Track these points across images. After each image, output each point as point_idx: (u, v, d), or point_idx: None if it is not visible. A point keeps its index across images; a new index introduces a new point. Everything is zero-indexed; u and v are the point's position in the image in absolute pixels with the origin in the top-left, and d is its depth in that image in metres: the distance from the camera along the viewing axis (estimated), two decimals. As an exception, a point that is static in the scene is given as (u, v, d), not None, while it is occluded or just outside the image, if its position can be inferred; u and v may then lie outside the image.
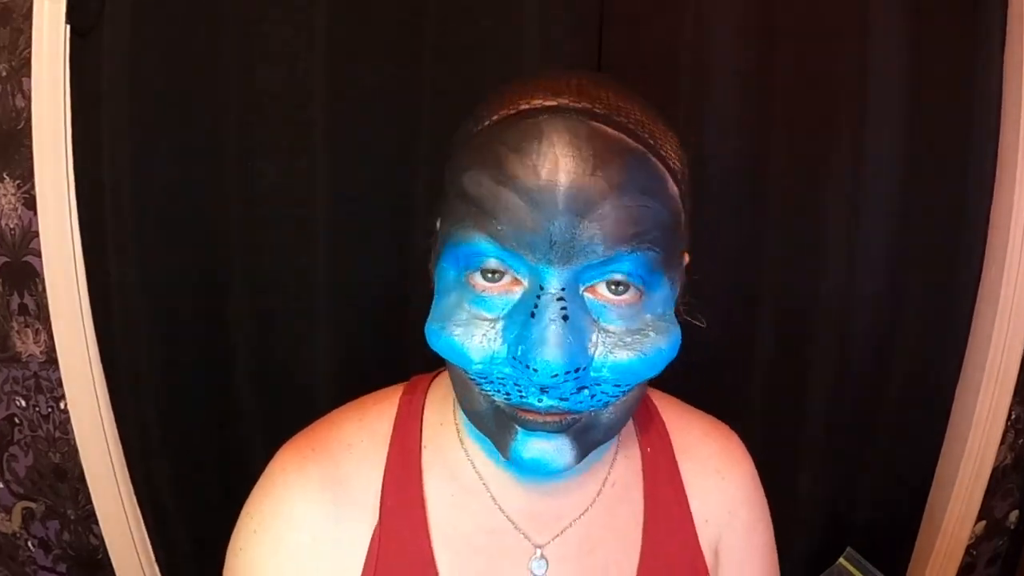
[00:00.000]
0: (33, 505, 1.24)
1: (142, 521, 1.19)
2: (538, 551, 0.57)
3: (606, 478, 0.60)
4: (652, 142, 0.47)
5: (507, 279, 0.46)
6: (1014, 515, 1.38)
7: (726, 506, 0.64)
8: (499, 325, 0.46)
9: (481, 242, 0.45)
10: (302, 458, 0.57)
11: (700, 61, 1.06)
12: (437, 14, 1.03)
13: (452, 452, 0.58)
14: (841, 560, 1.17)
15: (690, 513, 0.62)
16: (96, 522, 1.20)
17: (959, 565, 1.31)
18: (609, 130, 0.45)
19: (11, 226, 1.12)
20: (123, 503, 1.18)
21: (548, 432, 0.47)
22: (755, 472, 0.67)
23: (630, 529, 0.60)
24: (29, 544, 1.26)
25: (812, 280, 1.14)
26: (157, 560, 1.20)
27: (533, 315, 0.44)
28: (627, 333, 0.46)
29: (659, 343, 0.47)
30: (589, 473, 0.59)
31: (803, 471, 1.20)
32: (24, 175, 1.09)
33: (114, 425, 1.14)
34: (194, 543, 1.17)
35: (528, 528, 0.57)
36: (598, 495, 0.59)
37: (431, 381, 0.62)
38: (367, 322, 1.10)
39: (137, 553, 1.20)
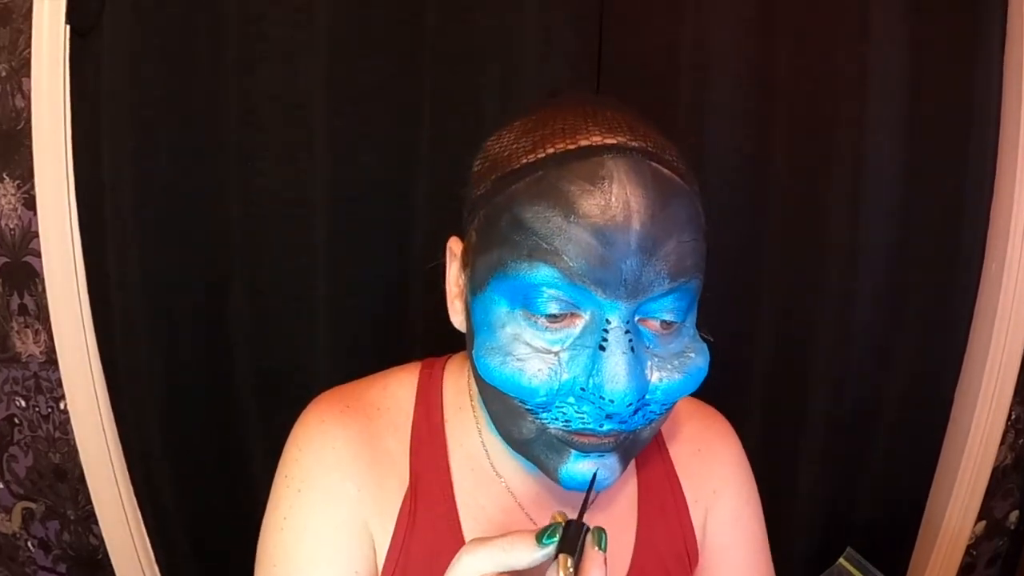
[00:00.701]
0: (33, 505, 1.24)
1: (142, 521, 1.19)
2: None
3: None
4: (691, 179, 0.50)
5: (568, 316, 0.47)
6: (1014, 515, 1.38)
7: (711, 484, 0.66)
8: (563, 357, 0.47)
9: (550, 276, 0.46)
10: (339, 411, 0.59)
11: (700, 61, 1.06)
12: (437, 14, 1.03)
13: (469, 434, 0.61)
14: (841, 560, 1.17)
15: (681, 492, 0.65)
16: (96, 522, 1.20)
17: (959, 565, 1.32)
18: (664, 171, 0.48)
19: (11, 226, 1.12)
20: (123, 503, 1.18)
21: (601, 452, 0.49)
22: (741, 452, 0.69)
23: (626, 512, 0.63)
24: (29, 544, 1.26)
25: (812, 280, 1.14)
26: (157, 560, 1.20)
27: (603, 348, 0.46)
28: (674, 357, 0.49)
29: (698, 362, 0.50)
30: None
31: (803, 471, 1.20)
32: (24, 175, 1.09)
33: (114, 425, 1.14)
34: (194, 543, 1.17)
35: (534, 511, 0.60)
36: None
37: (445, 362, 0.65)
38: (367, 322, 1.10)
39: (137, 553, 1.20)
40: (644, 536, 0.62)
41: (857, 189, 1.11)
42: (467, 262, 0.53)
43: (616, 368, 0.45)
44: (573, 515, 0.42)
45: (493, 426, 0.58)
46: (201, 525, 1.16)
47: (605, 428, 0.47)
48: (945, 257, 1.16)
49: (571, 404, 0.47)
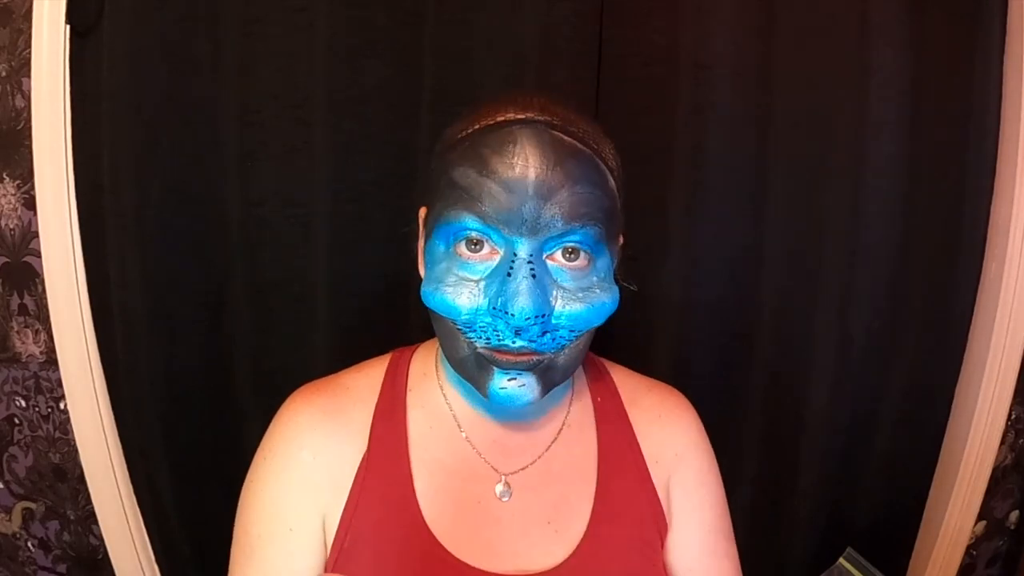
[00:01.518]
0: (33, 505, 1.24)
1: (142, 521, 1.19)
2: (503, 478, 0.69)
3: (564, 420, 0.73)
4: (596, 147, 0.61)
5: (486, 249, 0.60)
6: (1014, 515, 1.38)
7: (672, 448, 0.74)
8: (481, 284, 0.60)
9: (468, 220, 0.59)
10: (308, 397, 0.71)
11: (700, 61, 1.06)
12: (437, 14, 1.03)
13: (432, 394, 0.72)
14: (841, 560, 1.17)
15: (641, 453, 0.73)
16: (96, 522, 1.20)
17: (959, 565, 1.31)
18: (565, 137, 0.59)
19: (11, 226, 1.12)
20: (123, 503, 1.18)
21: (519, 371, 0.60)
22: (699, 423, 0.78)
23: (586, 465, 0.71)
24: (29, 544, 1.26)
25: (812, 280, 1.14)
26: (157, 560, 1.20)
27: (509, 274, 0.58)
28: (579, 290, 0.61)
29: (603, 298, 0.61)
30: (548, 416, 0.72)
31: (803, 471, 1.20)
32: (24, 175, 1.09)
33: (114, 425, 1.14)
34: (194, 543, 1.17)
35: (495, 460, 0.70)
36: (558, 435, 0.72)
37: (416, 348, 0.77)
38: (367, 322, 1.10)
39: (137, 553, 1.20)
40: (604, 483, 0.70)
41: (857, 189, 1.11)
42: (425, 223, 0.66)
43: (517, 288, 0.57)
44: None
45: (452, 379, 0.70)
46: (201, 525, 1.16)
47: (517, 344, 0.59)
48: (945, 257, 1.16)
49: (489, 323, 0.59)
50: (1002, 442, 1.27)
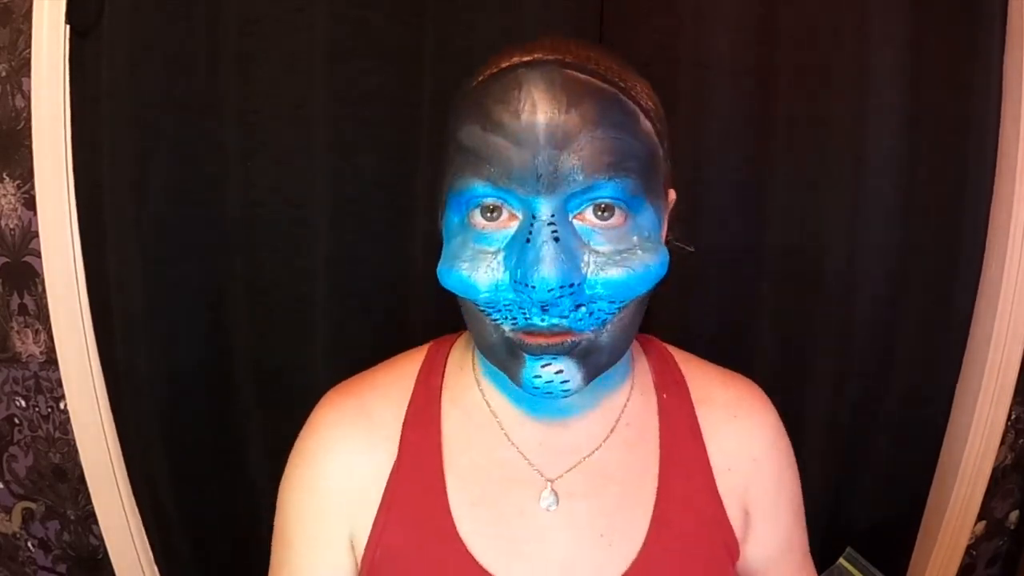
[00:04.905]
0: (33, 505, 1.24)
1: (142, 521, 1.19)
2: (548, 484, 0.60)
3: (619, 418, 0.63)
4: (622, 84, 0.52)
5: (504, 215, 0.51)
6: (1014, 515, 1.38)
7: (749, 453, 0.65)
8: (500, 256, 0.51)
9: (478, 185, 0.50)
10: (339, 401, 0.65)
11: (700, 61, 1.06)
12: (437, 14, 1.03)
13: (469, 391, 0.63)
14: (841, 560, 1.17)
15: (708, 459, 0.63)
16: (96, 522, 1.20)
17: (959, 565, 1.31)
18: (580, 75, 0.50)
19: (11, 226, 1.12)
20: (123, 503, 1.18)
21: (552, 355, 0.51)
22: (779, 422, 0.68)
23: (645, 470, 0.62)
24: (29, 544, 1.26)
25: (812, 280, 1.14)
26: (157, 560, 1.20)
27: (528, 240, 0.49)
28: (616, 253, 0.51)
29: (647, 260, 0.51)
30: (600, 411, 0.62)
31: (803, 471, 1.20)
32: (24, 175, 1.09)
33: (114, 425, 1.14)
34: (194, 543, 1.17)
35: (539, 462, 0.60)
36: (611, 433, 0.62)
37: (457, 337, 0.68)
38: (367, 323, 1.10)
39: (137, 553, 1.20)
40: (664, 494, 0.61)
41: (857, 189, 1.11)
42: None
43: (538, 255, 0.48)
44: None
45: (489, 371, 0.62)
46: (201, 525, 1.16)
47: (547, 323, 0.50)
48: (945, 257, 1.16)
49: (513, 300, 0.51)
50: (1002, 442, 1.27)
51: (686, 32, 1.06)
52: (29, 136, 1.06)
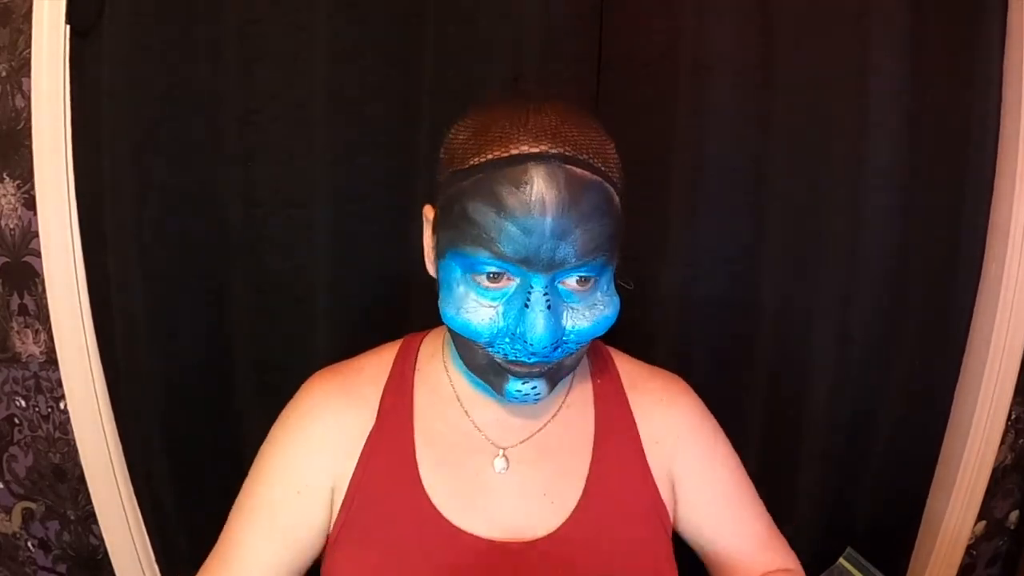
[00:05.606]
0: (33, 505, 1.24)
1: (142, 521, 1.19)
2: (501, 452, 0.74)
3: (563, 401, 0.77)
4: (604, 168, 0.63)
5: (504, 279, 0.64)
6: (1014, 515, 1.38)
7: (674, 431, 0.79)
8: (500, 309, 0.64)
9: (487, 258, 0.62)
10: (324, 376, 0.78)
11: (700, 60, 1.06)
12: (437, 14, 1.03)
13: (437, 374, 0.77)
14: (841, 560, 1.17)
15: (638, 433, 0.77)
16: (96, 522, 1.20)
17: (959, 565, 1.32)
18: (577, 170, 0.61)
19: (11, 226, 1.12)
20: (123, 503, 1.18)
21: (531, 377, 0.66)
22: (701, 406, 0.83)
23: (582, 442, 0.76)
24: (29, 544, 1.26)
25: (812, 280, 1.14)
26: (157, 560, 1.20)
27: (527, 305, 0.63)
28: (586, 308, 0.65)
29: (607, 312, 0.67)
30: (549, 397, 0.73)
31: (803, 471, 1.20)
32: (24, 175, 1.09)
33: (114, 425, 1.14)
34: (194, 543, 1.17)
35: (494, 435, 0.74)
36: (556, 413, 0.77)
37: (427, 333, 0.82)
38: (367, 322, 1.10)
39: (137, 553, 1.20)
40: (598, 460, 0.74)
41: (857, 189, 1.11)
42: (435, 229, 0.68)
43: (535, 322, 0.62)
44: None
45: (458, 364, 0.75)
46: (201, 525, 1.16)
47: (532, 360, 0.64)
48: (945, 257, 1.16)
49: (507, 343, 0.64)
50: (1002, 442, 1.27)
51: (687, 32, 1.06)
52: (29, 136, 1.06)
